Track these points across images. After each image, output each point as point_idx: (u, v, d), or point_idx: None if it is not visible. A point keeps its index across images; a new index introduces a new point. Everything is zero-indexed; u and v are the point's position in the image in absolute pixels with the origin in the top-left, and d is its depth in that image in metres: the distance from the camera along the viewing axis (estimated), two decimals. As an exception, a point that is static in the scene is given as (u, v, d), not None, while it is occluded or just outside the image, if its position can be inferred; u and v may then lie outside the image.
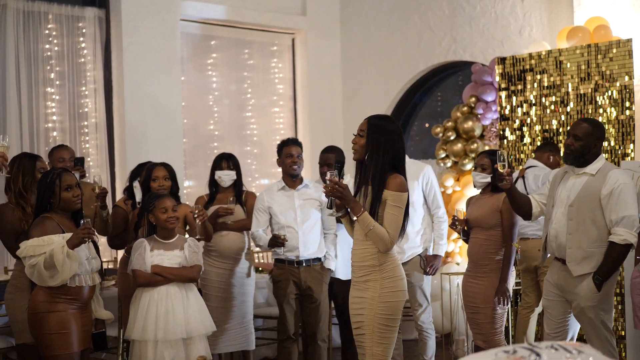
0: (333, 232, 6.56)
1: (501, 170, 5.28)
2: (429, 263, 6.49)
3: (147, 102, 8.89)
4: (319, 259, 6.47)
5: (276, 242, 6.31)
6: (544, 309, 5.58)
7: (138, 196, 6.39)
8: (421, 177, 6.49)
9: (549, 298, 5.44)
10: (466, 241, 6.12)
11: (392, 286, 4.58)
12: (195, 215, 5.95)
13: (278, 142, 6.71)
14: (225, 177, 6.60)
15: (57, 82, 8.69)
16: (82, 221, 4.88)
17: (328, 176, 4.61)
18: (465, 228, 5.98)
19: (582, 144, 5.24)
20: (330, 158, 6.64)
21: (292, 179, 6.52)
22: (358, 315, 4.65)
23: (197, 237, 5.97)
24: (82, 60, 8.85)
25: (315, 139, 10.07)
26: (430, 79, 10.16)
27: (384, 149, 4.58)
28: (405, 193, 4.58)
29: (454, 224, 6.02)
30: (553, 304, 5.41)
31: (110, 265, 8.09)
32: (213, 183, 6.66)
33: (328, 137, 9.52)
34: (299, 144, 6.61)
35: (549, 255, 5.49)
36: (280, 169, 6.62)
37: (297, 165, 6.49)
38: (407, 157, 6.49)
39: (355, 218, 4.58)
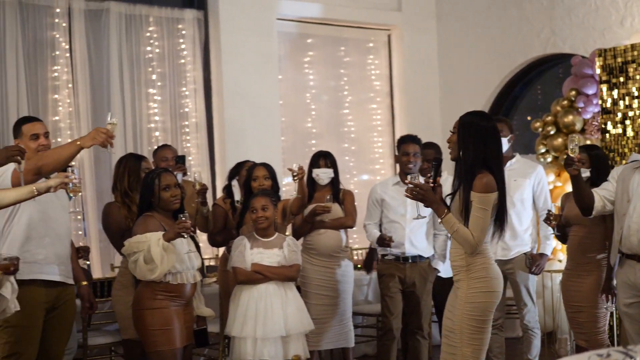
0: (444, 232, 6.51)
1: (571, 155, 5.10)
2: (534, 262, 6.39)
3: (245, 101, 9.02)
4: (425, 257, 6.47)
5: (383, 242, 6.38)
6: (620, 314, 5.37)
7: (237, 195, 6.51)
8: (533, 176, 6.46)
9: (629, 301, 5.18)
10: (559, 237, 6.03)
11: (481, 287, 4.51)
12: (295, 174, 5.99)
13: (398, 138, 6.74)
14: (323, 175, 6.61)
15: (159, 83, 8.90)
16: (179, 216, 4.99)
17: (408, 179, 4.61)
18: (559, 224, 5.89)
19: None
20: (429, 154, 6.62)
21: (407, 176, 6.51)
22: (449, 312, 4.64)
23: (294, 194, 6.03)
24: (182, 61, 9.04)
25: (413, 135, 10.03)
26: (529, 72, 9.99)
27: (474, 147, 4.50)
28: (492, 194, 4.47)
29: (547, 219, 5.93)
30: (634, 306, 5.17)
31: (212, 263, 8.24)
32: (310, 181, 6.69)
33: (426, 133, 9.41)
34: (417, 141, 6.57)
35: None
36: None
37: (412, 164, 6.47)
38: (517, 155, 6.48)
39: (439, 221, 4.57)
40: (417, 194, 4.53)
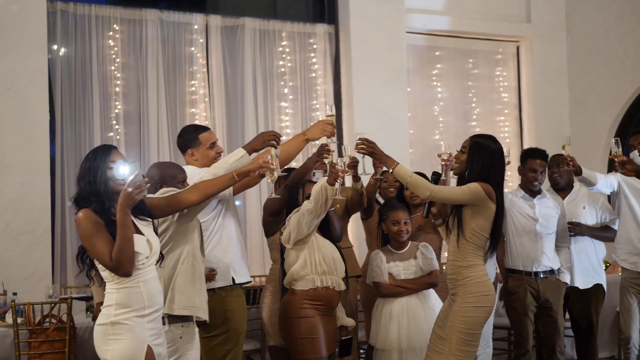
0: (567, 245, 6.42)
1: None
2: None
3: (374, 114, 9.11)
4: (553, 271, 6.35)
5: None
6: None
7: None
8: None
9: None
10: None
11: (473, 301, 4.81)
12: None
13: (524, 150, 6.59)
14: None
15: (290, 97, 9.10)
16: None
17: (357, 137, 4.93)
18: None
19: None
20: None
21: (530, 193, 6.40)
22: (440, 320, 4.96)
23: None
24: (313, 75, 9.22)
25: (541, 147, 9.89)
26: (664, 83, 9.75)
27: (481, 166, 4.84)
28: (483, 194, 4.76)
29: None
30: None
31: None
32: None
33: (554, 146, 9.30)
34: (545, 157, 6.41)
35: None
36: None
37: (538, 182, 6.33)
38: None
39: (391, 171, 4.85)
40: (367, 147, 4.90)
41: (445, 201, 4.94)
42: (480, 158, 4.86)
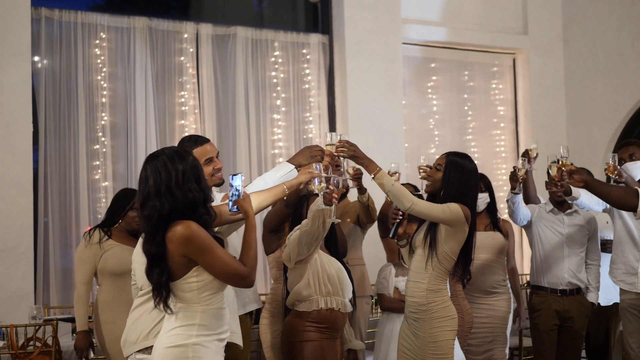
0: (597, 263, 6.14)
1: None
2: None
3: (370, 127, 8.84)
4: (580, 290, 6.08)
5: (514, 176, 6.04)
6: None
7: None
8: None
9: None
10: None
11: (441, 326, 4.59)
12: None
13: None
14: (479, 200, 5.66)
15: (283, 109, 8.81)
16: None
17: (337, 138, 4.61)
18: None
19: None
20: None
21: (558, 204, 6.19)
22: (407, 349, 4.67)
23: None
24: (307, 86, 8.94)
25: (537, 161, 9.67)
26: (664, 96, 9.55)
27: (458, 187, 4.62)
28: (462, 217, 4.53)
29: None
30: None
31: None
32: None
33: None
34: None
35: None
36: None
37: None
38: None
39: (372, 177, 4.52)
40: (348, 150, 4.52)
41: (422, 216, 4.63)
42: (457, 177, 4.63)
